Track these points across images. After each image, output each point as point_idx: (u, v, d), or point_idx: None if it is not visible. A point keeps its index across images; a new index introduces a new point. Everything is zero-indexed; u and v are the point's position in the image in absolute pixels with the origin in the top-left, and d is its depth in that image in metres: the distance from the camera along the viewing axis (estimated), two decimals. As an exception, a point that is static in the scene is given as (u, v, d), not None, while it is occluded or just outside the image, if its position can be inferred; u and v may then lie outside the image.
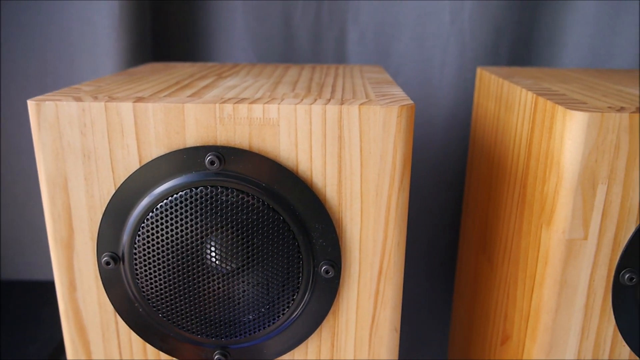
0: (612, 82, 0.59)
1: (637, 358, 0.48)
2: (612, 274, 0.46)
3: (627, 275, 0.45)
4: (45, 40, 0.79)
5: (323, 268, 0.45)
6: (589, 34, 0.82)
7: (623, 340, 0.48)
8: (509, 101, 0.57)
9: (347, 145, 0.43)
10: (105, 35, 0.76)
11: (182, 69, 0.64)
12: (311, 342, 0.49)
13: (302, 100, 0.44)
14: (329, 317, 0.48)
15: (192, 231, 0.44)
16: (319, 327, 0.48)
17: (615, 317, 0.47)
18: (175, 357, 0.49)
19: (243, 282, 0.46)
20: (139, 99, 0.43)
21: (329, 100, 0.44)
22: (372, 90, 0.49)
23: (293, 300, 0.46)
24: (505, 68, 0.70)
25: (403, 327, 0.99)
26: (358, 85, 0.52)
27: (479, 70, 0.70)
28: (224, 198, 0.43)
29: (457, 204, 0.90)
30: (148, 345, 0.49)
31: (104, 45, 0.76)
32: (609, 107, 0.44)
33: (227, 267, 0.45)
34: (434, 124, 0.88)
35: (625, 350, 0.48)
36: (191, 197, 0.43)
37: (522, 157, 0.53)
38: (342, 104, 0.42)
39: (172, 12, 0.84)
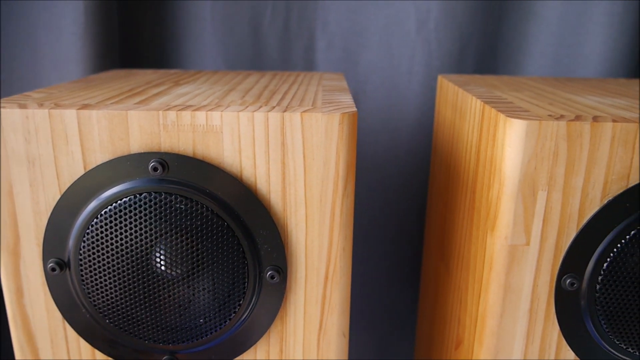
0: (566, 90, 0.59)
1: (582, 363, 0.49)
2: (555, 279, 0.47)
3: (568, 280, 0.46)
4: (11, 47, 0.79)
5: (269, 273, 0.46)
6: (553, 43, 0.83)
7: (568, 345, 0.48)
8: (463, 109, 0.58)
9: (290, 152, 0.44)
10: (71, 43, 0.76)
11: (143, 76, 0.64)
12: (260, 347, 0.49)
13: (246, 107, 0.44)
14: (277, 322, 0.48)
15: (137, 237, 0.44)
16: (267, 332, 0.48)
17: (558, 322, 0.48)
18: (124, 363, 0.49)
19: (190, 287, 0.46)
20: (84, 106, 0.43)
21: (273, 107, 0.44)
22: (321, 98, 0.50)
23: (240, 305, 0.46)
24: (466, 76, 0.71)
25: (371, 334, 1.00)
26: (310, 93, 0.53)
27: (439, 78, 0.71)
28: (167, 204, 0.43)
29: (422, 210, 0.91)
30: (97, 352, 0.49)
31: (69, 53, 0.76)
32: (549, 115, 0.44)
33: (174, 273, 0.45)
34: (401, 131, 0.89)
35: (570, 354, 0.49)
36: (135, 203, 0.43)
37: (472, 164, 0.54)
38: (284, 111, 0.43)
39: (141, 20, 0.85)
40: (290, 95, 0.51)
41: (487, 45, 0.85)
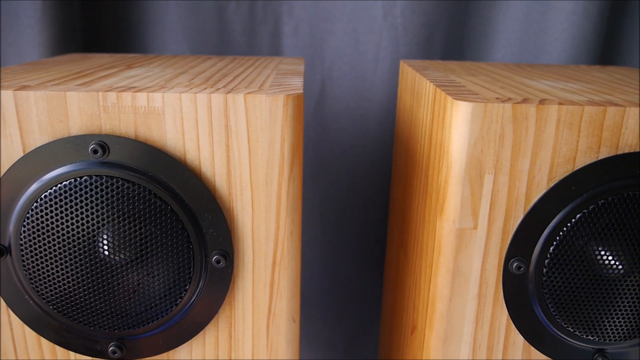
0: (523, 75, 0.59)
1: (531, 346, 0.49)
2: (502, 263, 0.46)
3: (515, 264, 0.46)
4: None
5: (214, 258, 0.45)
6: (519, 30, 0.83)
7: (516, 328, 0.48)
8: (419, 94, 0.57)
9: (234, 135, 0.43)
10: (29, 26, 0.75)
11: (97, 60, 0.63)
12: (209, 332, 0.49)
13: (190, 89, 0.43)
14: (225, 307, 0.48)
15: (78, 221, 0.43)
16: (216, 318, 0.48)
17: (507, 306, 0.48)
18: (71, 350, 0.48)
19: (136, 273, 0.45)
20: (22, 87, 0.42)
21: (218, 89, 0.44)
22: (271, 81, 0.49)
23: (186, 290, 0.46)
24: (427, 61, 0.70)
25: (339, 322, 1.00)
26: (262, 76, 0.52)
27: (401, 63, 0.70)
28: (109, 188, 0.43)
29: (388, 197, 0.91)
30: (43, 339, 0.48)
31: (28, 37, 0.75)
32: (497, 98, 0.44)
33: (118, 258, 0.45)
34: (368, 118, 0.88)
35: (519, 338, 0.49)
36: (75, 186, 0.42)
37: (425, 148, 0.54)
38: (228, 92, 0.42)
39: (104, 5, 0.83)
40: (241, 78, 0.50)
41: (454, 32, 0.85)
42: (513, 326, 0.48)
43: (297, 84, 0.47)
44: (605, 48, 0.85)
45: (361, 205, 0.93)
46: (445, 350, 0.49)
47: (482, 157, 0.44)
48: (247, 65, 0.60)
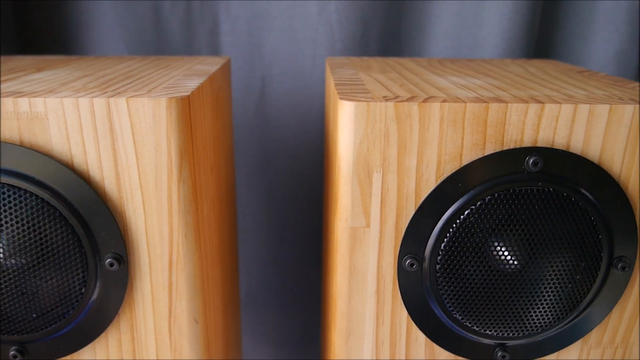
0: (436, 72, 0.59)
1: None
2: (397, 260, 0.47)
3: (408, 261, 0.46)
4: None
5: (107, 261, 0.45)
6: (455, 24, 0.83)
7: (416, 325, 0.49)
8: (328, 92, 0.57)
9: (120, 138, 0.43)
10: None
11: (15, 62, 0.63)
12: (111, 334, 0.49)
13: (77, 93, 0.43)
14: (126, 310, 0.48)
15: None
16: (117, 320, 0.48)
17: (404, 303, 0.48)
18: (-27, 355, 0.49)
19: (32, 277, 0.45)
20: None
21: (105, 93, 0.44)
22: (170, 83, 0.49)
23: (82, 294, 0.46)
24: (350, 58, 0.70)
25: (288, 319, 1.00)
26: (166, 77, 0.52)
27: (327, 60, 0.70)
28: (-5, 193, 0.43)
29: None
30: (-55, 344, 0.49)
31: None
32: (384, 97, 0.44)
33: (11, 264, 0.45)
34: (310, 113, 0.88)
35: (421, 334, 0.49)
36: (-40, 193, 0.42)
37: (330, 147, 0.54)
38: (111, 96, 0.42)
39: (39, 6, 0.83)
40: (141, 81, 0.50)
41: (391, 27, 0.85)
42: (414, 323, 0.49)
43: (191, 85, 0.47)
44: (541, 41, 0.85)
45: (307, 200, 0.93)
46: (349, 347, 0.50)
47: (369, 155, 0.44)
48: (162, 67, 0.60)
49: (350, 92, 0.46)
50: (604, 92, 0.48)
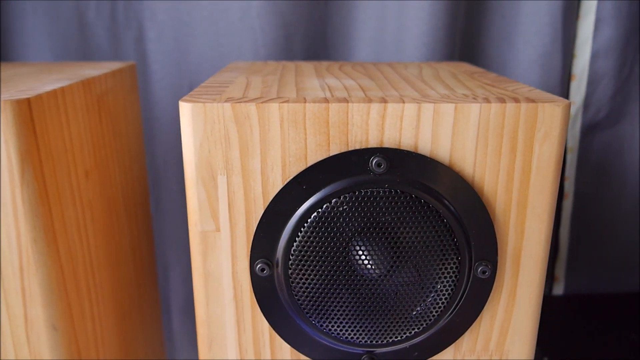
0: (321, 75, 0.58)
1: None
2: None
3: (259, 266, 0.45)
4: None
5: None
6: (378, 29, 0.82)
7: (276, 332, 0.48)
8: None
9: (-43, 142, 0.43)
10: None
11: None
12: (-32, 343, 0.48)
13: None
14: (-20, 316, 0.47)
15: None
16: (-27, 327, 0.48)
17: (262, 309, 0.47)
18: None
19: None
20: None
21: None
22: (29, 86, 0.49)
23: None
24: (255, 63, 0.70)
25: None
26: (36, 82, 0.52)
27: (228, 65, 0.70)
28: None
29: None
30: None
31: None
32: (229, 98, 0.43)
33: None
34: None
35: (284, 342, 0.48)
36: None
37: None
38: (-54, 99, 0.42)
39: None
40: (7, 86, 0.50)
41: (315, 32, 0.84)
42: (274, 329, 0.48)
43: (44, 89, 0.47)
44: (469, 45, 0.84)
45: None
46: (212, 354, 0.49)
47: (211, 157, 0.43)
48: (45, 72, 0.60)
49: (203, 94, 0.45)
50: (467, 92, 0.47)
